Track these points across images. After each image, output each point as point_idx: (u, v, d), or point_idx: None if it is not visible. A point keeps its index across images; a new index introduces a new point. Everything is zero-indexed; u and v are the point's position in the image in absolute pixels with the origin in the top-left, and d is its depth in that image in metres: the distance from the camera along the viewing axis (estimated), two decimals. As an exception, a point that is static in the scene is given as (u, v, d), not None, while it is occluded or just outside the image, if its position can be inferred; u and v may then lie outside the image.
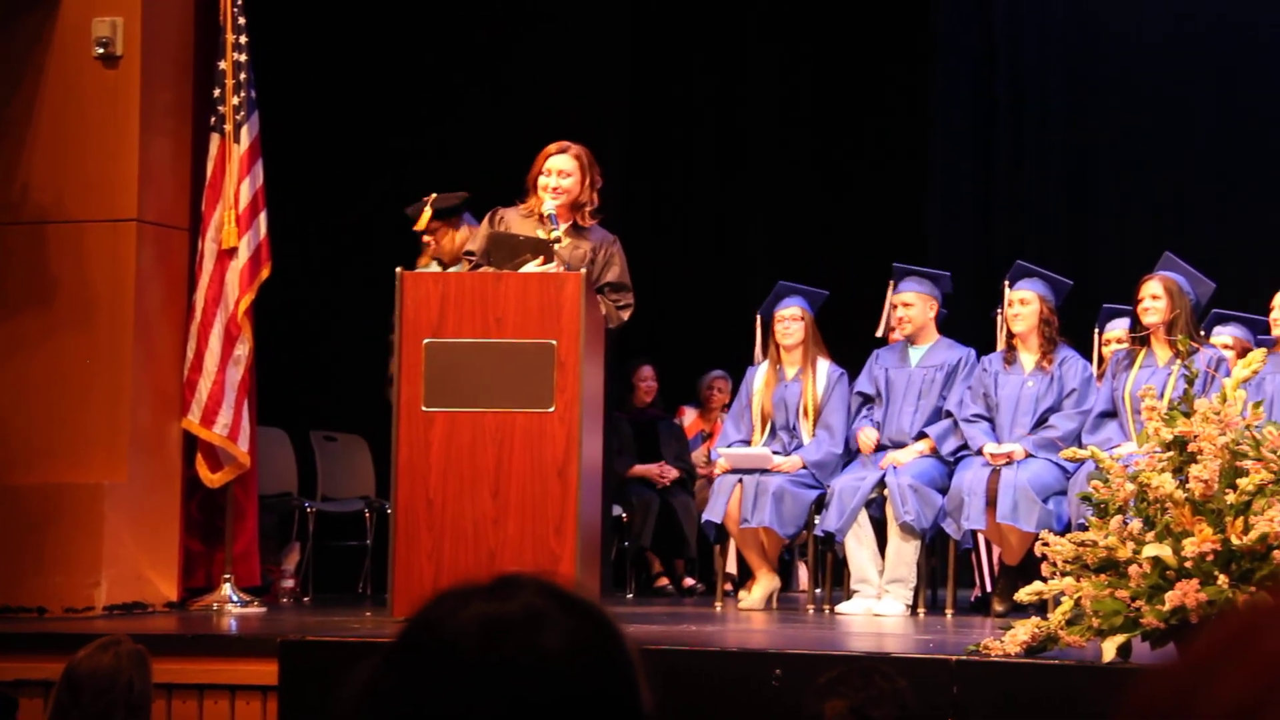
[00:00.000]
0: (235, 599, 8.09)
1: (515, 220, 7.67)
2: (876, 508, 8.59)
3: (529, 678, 1.50)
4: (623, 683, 1.55)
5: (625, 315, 7.71)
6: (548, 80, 10.33)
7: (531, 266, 7.18)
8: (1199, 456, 5.59)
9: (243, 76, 8.24)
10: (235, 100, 8.23)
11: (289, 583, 9.06)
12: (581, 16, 10.54)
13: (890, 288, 9.04)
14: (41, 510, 7.84)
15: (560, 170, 7.65)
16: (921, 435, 8.78)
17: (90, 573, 7.75)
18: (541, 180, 7.65)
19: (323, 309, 9.32)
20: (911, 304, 8.90)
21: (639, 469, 10.48)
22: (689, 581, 10.39)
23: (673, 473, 10.48)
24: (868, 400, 9.01)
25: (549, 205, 7.57)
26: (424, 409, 6.88)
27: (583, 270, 7.09)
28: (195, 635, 6.87)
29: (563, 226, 7.58)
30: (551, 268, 7.20)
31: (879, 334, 9.20)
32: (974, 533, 8.57)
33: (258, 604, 8.20)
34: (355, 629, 6.98)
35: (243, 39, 8.26)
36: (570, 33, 10.48)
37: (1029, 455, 8.40)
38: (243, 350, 8.16)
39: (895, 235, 11.49)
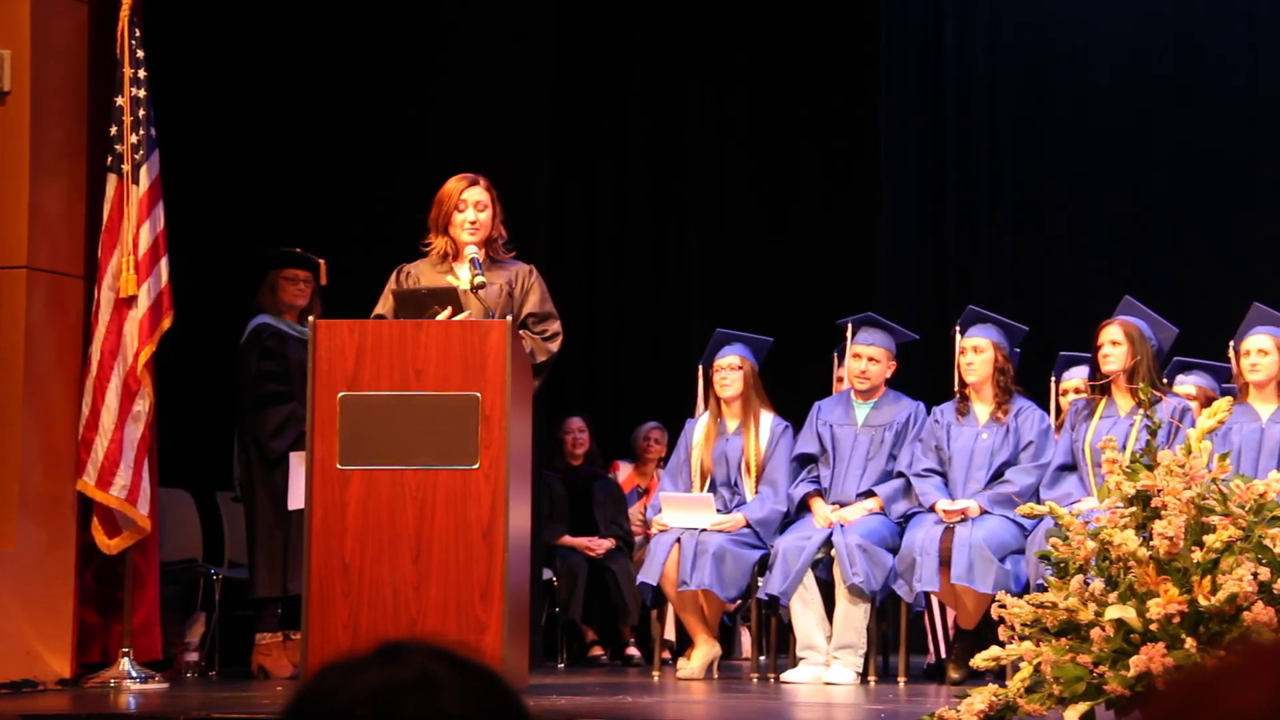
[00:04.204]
0: (135, 674, 7.91)
1: (426, 272, 7.53)
2: (823, 569, 8.51)
3: None
4: None
5: (554, 346, 7.55)
6: (470, 121, 10.32)
7: (441, 319, 7.00)
8: (1163, 512, 5.54)
9: (142, 113, 8.10)
10: (134, 139, 8.09)
11: (193, 656, 8.92)
12: (503, 60, 10.43)
13: (849, 334, 8.94)
14: (-78, 580, 7.72)
15: (478, 203, 7.48)
16: (869, 493, 8.73)
17: (-25, 648, 7.64)
18: (458, 217, 7.46)
19: (228, 362, 9.06)
20: (877, 359, 8.89)
21: (568, 540, 10.40)
22: (632, 651, 10.32)
23: (605, 544, 10.40)
24: (809, 460, 8.89)
25: (473, 248, 7.39)
26: (339, 467, 6.73)
27: (508, 319, 6.91)
28: (90, 715, 6.79)
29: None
30: (463, 317, 7.04)
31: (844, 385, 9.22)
32: (927, 595, 8.54)
33: (159, 679, 8.02)
34: (265, 705, 6.81)
35: (142, 73, 8.11)
36: (493, 79, 10.50)
37: (984, 512, 8.37)
38: (142, 406, 7.99)
39: (842, 280, 11.59)
